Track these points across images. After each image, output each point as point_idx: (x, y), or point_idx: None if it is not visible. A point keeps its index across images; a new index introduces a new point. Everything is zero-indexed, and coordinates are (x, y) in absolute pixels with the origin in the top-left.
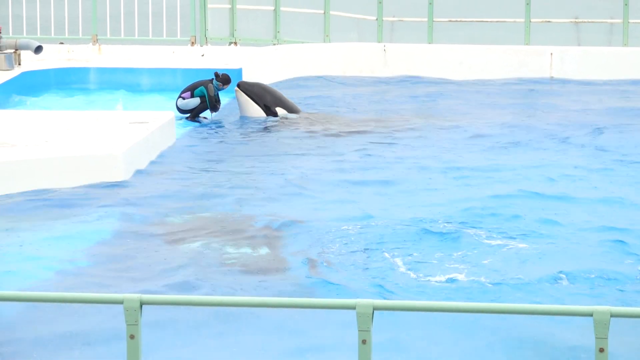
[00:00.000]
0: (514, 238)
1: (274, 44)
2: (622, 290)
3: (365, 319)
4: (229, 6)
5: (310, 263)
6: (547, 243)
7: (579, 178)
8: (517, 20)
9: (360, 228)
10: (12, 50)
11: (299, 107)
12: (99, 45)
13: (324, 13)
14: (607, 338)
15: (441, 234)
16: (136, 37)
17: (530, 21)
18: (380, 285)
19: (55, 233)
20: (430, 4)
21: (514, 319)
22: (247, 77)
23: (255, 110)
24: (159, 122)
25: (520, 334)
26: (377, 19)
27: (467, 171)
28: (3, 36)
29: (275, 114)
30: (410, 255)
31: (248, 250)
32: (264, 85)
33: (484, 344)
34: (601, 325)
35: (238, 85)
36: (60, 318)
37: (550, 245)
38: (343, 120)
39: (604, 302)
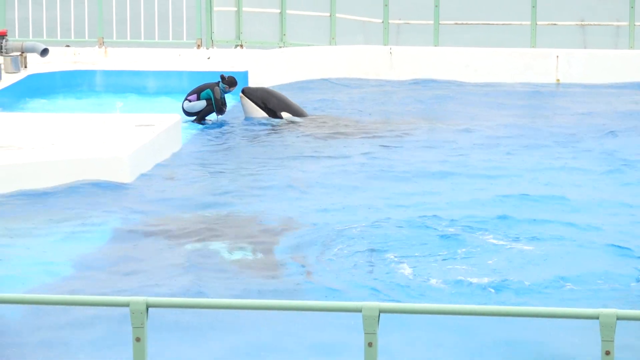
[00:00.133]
0: (520, 240)
1: (280, 47)
2: (628, 293)
3: (372, 321)
4: (235, 9)
5: (316, 265)
6: (553, 246)
7: (586, 180)
8: (523, 22)
9: (366, 231)
10: (19, 53)
11: (305, 110)
12: (105, 47)
13: (330, 16)
14: (613, 341)
15: (447, 236)
16: (142, 39)
17: (536, 24)
18: (385, 288)
19: (61, 235)
20: (436, 6)
21: (519, 322)
22: (253, 80)
23: (260, 115)
24: (164, 124)
25: (525, 337)
26: (383, 22)
27: (473, 174)
28: (9, 39)
29: (280, 118)
30: (415, 257)
31: (253, 253)
32: (269, 89)
33: (489, 346)
34: (607, 328)
35: (242, 91)
36: (66, 321)
37: (556, 248)
38: (349, 123)
39: (609, 304)
